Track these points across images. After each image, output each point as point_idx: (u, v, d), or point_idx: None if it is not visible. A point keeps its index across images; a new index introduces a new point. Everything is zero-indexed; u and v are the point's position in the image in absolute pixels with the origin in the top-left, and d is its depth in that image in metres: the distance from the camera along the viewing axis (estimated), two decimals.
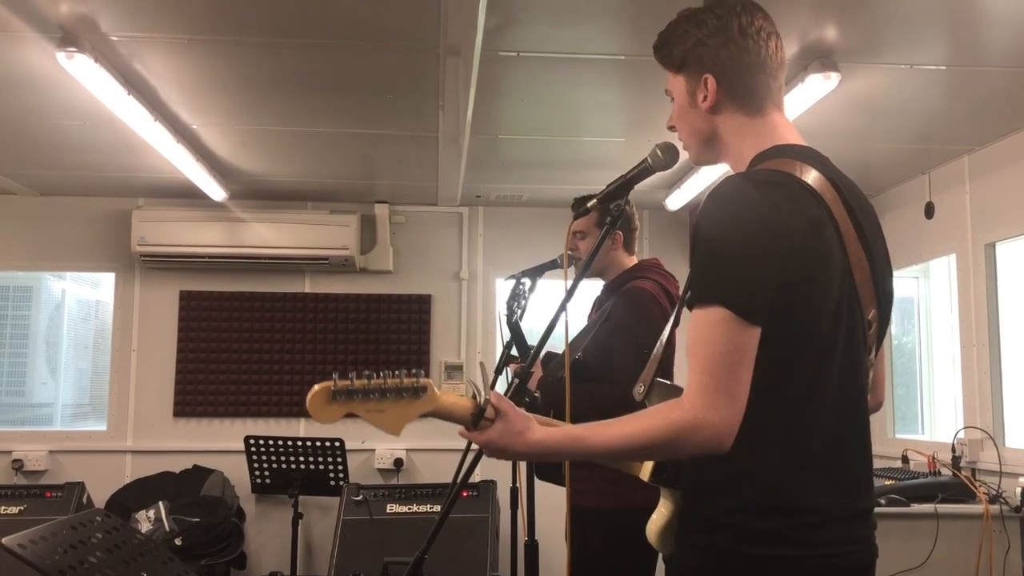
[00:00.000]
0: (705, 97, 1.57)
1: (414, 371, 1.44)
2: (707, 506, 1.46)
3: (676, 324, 2.96)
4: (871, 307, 1.51)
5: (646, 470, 1.59)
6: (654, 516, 1.61)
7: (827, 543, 1.42)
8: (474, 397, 1.48)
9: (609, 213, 1.88)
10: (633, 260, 3.07)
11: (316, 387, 1.40)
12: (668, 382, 1.61)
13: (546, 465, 2.77)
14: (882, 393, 1.69)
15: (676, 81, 1.64)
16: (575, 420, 1.58)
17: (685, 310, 1.51)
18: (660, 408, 1.41)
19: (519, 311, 3.04)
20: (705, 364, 1.36)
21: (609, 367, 2.77)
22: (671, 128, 1.71)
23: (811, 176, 1.48)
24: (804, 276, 1.40)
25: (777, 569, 1.40)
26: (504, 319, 3.09)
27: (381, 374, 1.43)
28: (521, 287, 3.08)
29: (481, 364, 1.47)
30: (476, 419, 1.47)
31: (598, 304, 3.15)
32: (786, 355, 1.41)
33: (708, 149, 1.65)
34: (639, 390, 1.61)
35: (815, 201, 1.45)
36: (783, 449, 1.42)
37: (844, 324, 1.45)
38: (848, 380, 1.47)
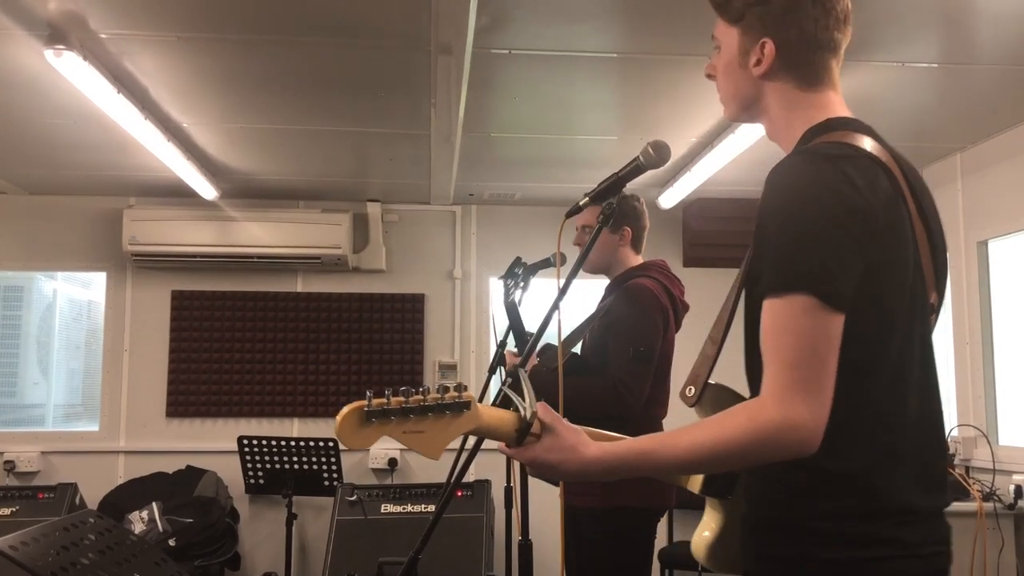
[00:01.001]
0: (759, 61, 1.45)
1: (457, 384, 1.30)
2: (788, 513, 1.34)
3: (677, 326, 2.97)
4: (932, 291, 1.42)
5: (696, 481, 1.44)
6: (701, 532, 1.48)
7: (919, 543, 1.32)
8: (518, 411, 1.35)
9: (602, 211, 1.88)
10: (639, 259, 3.06)
11: (346, 409, 1.24)
12: (721, 384, 1.45)
13: None
14: None
15: (729, 32, 1.49)
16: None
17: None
18: (738, 412, 1.27)
19: (515, 289, 3.00)
20: (790, 357, 1.23)
21: (606, 362, 2.77)
22: (710, 76, 1.57)
23: (873, 148, 1.37)
24: (886, 257, 1.30)
25: (871, 572, 1.29)
26: (498, 314, 3.08)
27: (420, 390, 1.28)
28: (519, 268, 3.05)
29: (521, 371, 1.41)
30: (522, 435, 1.34)
31: (602, 299, 3.15)
32: (870, 344, 1.30)
33: (747, 112, 1.53)
34: (688, 393, 1.45)
35: (886, 175, 1.34)
36: (872, 445, 1.31)
37: (919, 310, 1.36)
38: (925, 369, 1.38)
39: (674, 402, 3.28)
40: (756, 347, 1.32)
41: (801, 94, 1.45)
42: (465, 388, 1.31)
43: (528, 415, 1.33)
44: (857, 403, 1.29)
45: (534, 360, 2.82)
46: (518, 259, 3.07)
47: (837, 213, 1.26)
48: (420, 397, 1.27)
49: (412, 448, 1.28)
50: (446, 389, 1.28)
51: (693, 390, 1.45)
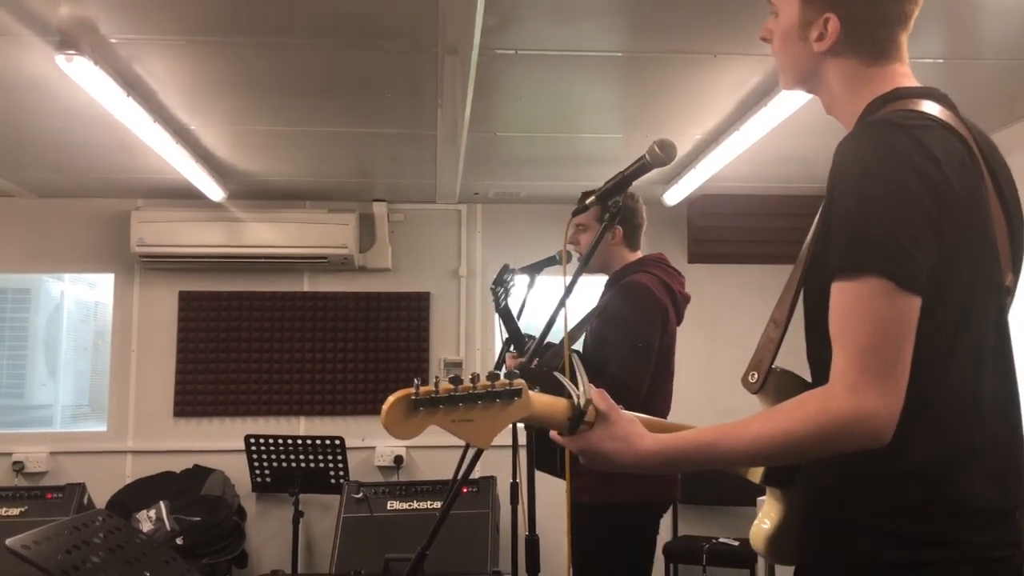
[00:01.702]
0: (821, 36, 1.36)
1: (506, 372, 1.26)
2: (851, 509, 1.26)
3: (679, 319, 2.98)
4: (1008, 272, 1.33)
5: (756, 471, 1.37)
6: (762, 522, 1.42)
7: (988, 546, 1.23)
8: (571, 397, 1.30)
9: (608, 209, 1.89)
10: (636, 255, 3.06)
11: (393, 397, 1.18)
12: (787, 369, 1.36)
13: (542, 454, 2.77)
14: None
15: (788, 2, 1.40)
16: None
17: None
18: (806, 401, 1.19)
19: (505, 296, 3.02)
20: (863, 342, 1.15)
21: (604, 357, 2.78)
22: (765, 39, 1.49)
23: (948, 118, 1.28)
24: (962, 235, 1.21)
25: (937, 573, 1.21)
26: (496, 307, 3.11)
27: (470, 378, 1.23)
28: (508, 274, 3.07)
29: (575, 356, 1.41)
30: (575, 423, 1.29)
31: (601, 298, 3.16)
32: (944, 330, 1.22)
33: (804, 84, 1.45)
34: (752, 379, 1.36)
35: (962, 145, 1.26)
36: (944, 440, 1.23)
37: (995, 291, 1.28)
38: (1001, 357, 1.29)
39: (692, 390, 3.30)
40: (818, 331, 1.26)
41: (865, 69, 1.36)
42: (516, 375, 1.26)
43: (582, 402, 1.29)
44: (929, 394, 1.21)
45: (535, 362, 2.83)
46: (506, 266, 3.09)
47: (912, 187, 1.18)
48: (469, 385, 1.22)
49: (461, 437, 1.24)
50: (496, 376, 1.23)
51: (756, 376, 1.35)
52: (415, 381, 1.21)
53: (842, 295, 1.19)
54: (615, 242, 3.01)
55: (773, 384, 1.35)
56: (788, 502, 1.39)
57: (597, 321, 2.87)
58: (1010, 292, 1.35)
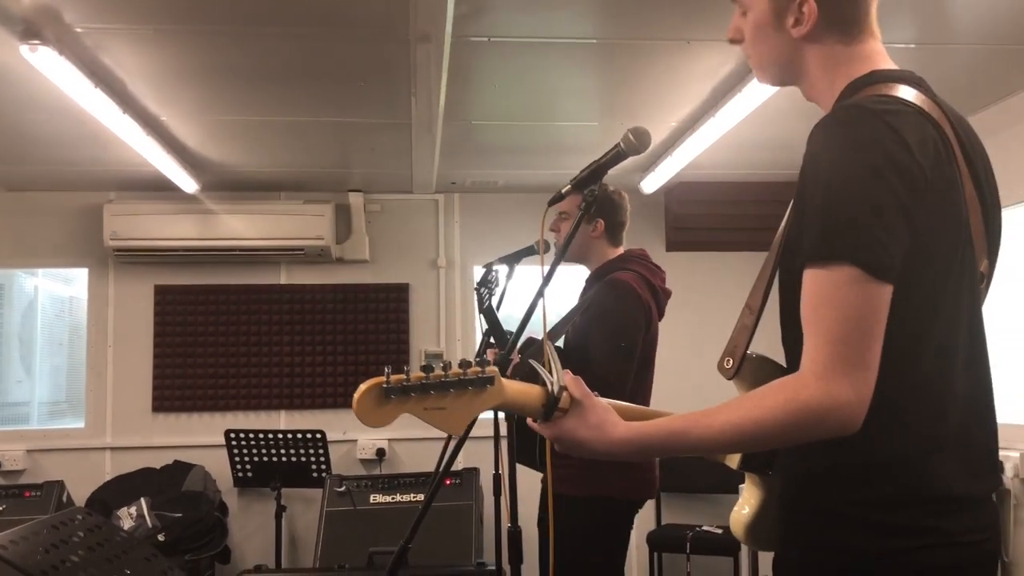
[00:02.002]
0: (797, 22, 1.34)
1: (478, 360, 1.26)
2: (826, 497, 1.27)
3: (660, 315, 2.97)
4: (983, 257, 1.34)
5: (734, 456, 1.37)
6: (741, 508, 1.43)
7: (962, 531, 1.24)
8: (545, 385, 1.31)
9: (584, 198, 1.88)
10: (618, 251, 3.04)
11: (364, 386, 1.18)
12: (762, 355, 1.37)
13: (523, 448, 2.77)
14: None
15: None
16: None
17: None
18: (776, 389, 1.19)
19: (490, 297, 3.03)
20: (834, 330, 1.15)
21: (587, 356, 2.77)
22: (734, 41, 1.46)
23: (922, 102, 1.27)
24: (935, 222, 1.21)
25: (908, 561, 1.22)
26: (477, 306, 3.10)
27: (441, 366, 1.22)
28: (492, 273, 3.07)
29: (547, 343, 1.40)
30: (549, 410, 1.29)
31: (583, 292, 3.15)
32: (918, 316, 1.22)
33: (783, 75, 1.43)
34: (727, 365, 1.36)
35: (935, 130, 1.25)
36: (916, 427, 1.23)
37: (967, 279, 1.27)
38: (973, 344, 1.29)
39: (673, 377, 3.31)
40: (792, 318, 1.26)
41: (843, 49, 1.35)
42: (488, 363, 1.26)
43: (555, 389, 1.29)
44: (900, 382, 1.22)
45: (516, 357, 2.82)
46: (489, 266, 3.08)
47: (884, 174, 1.17)
48: (441, 373, 1.21)
49: (434, 425, 1.23)
50: (468, 364, 1.23)
51: (731, 362, 1.36)
52: (386, 369, 1.20)
53: (814, 283, 1.19)
54: (596, 235, 2.99)
55: (748, 369, 1.36)
56: (767, 488, 1.39)
57: (580, 318, 2.86)
58: (984, 278, 1.36)
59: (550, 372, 1.32)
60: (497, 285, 3.06)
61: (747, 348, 1.36)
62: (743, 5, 1.43)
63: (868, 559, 1.23)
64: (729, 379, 1.38)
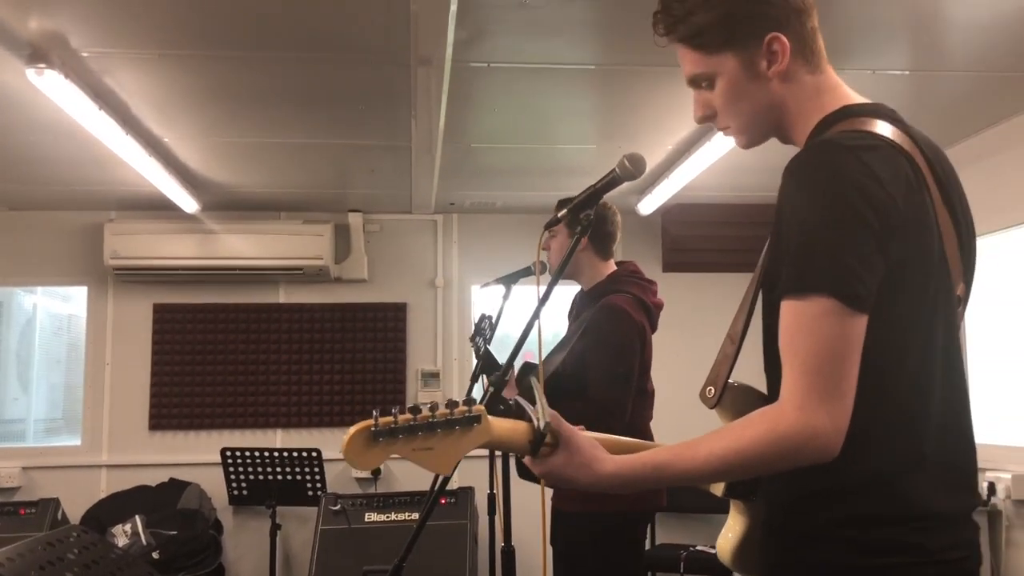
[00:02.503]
0: (771, 63, 1.35)
1: (465, 399, 1.28)
2: (808, 519, 1.30)
3: (654, 329, 3.00)
4: (959, 281, 1.36)
5: (719, 484, 1.41)
6: (727, 534, 1.46)
7: (943, 548, 1.26)
8: (531, 421, 1.32)
9: (579, 223, 1.91)
10: (610, 266, 3.03)
11: (352, 429, 1.21)
12: (744, 383, 1.41)
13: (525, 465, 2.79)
14: None
15: (720, 60, 1.38)
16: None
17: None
18: (756, 420, 1.22)
19: (485, 344, 3.06)
20: (810, 362, 1.18)
21: (586, 382, 2.79)
22: (705, 119, 1.46)
23: (895, 136, 1.30)
24: (909, 252, 1.24)
25: None
26: (482, 318, 3.14)
27: (428, 407, 1.24)
28: (485, 321, 3.11)
29: (533, 379, 1.42)
30: (536, 446, 1.31)
31: (575, 312, 3.16)
32: (893, 343, 1.25)
33: (768, 126, 1.43)
34: (708, 394, 1.40)
35: (908, 164, 1.27)
36: (894, 449, 1.26)
37: (942, 304, 1.30)
38: (952, 366, 1.32)
39: (670, 400, 3.32)
40: (773, 347, 1.28)
41: (811, 80, 1.37)
42: (475, 402, 1.28)
43: (541, 425, 1.31)
44: (878, 406, 1.25)
45: (513, 387, 2.84)
46: (482, 315, 3.11)
47: (859, 208, 1.20)
48: (428, 414, 1.23)
49: (422, 466, 1.26)
50: (455, 404, 1.25)
51: (713, 391, 1.39)
52: (374, 412, 1.22)
53: (791, 314, 1.22)
54: (581, 249, 2.99)
55: (730, 399, 1.39)
56: (751, 514, 1.42)
57: (577, 343, 2.87)
58: (961, 301, 1.39)
59: (535, 406, 1.34)
60: (491, 331, 3.08)
61: (728, 377, 1.39)
62: (705, 79, 1.42)
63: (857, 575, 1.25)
64: (711, 408, 1.40)
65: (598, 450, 1.33)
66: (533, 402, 1.36)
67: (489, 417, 1.28)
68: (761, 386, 1.40)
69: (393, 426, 1.22)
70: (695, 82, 1.43)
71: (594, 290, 3.00)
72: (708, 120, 1.46)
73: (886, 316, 1.23)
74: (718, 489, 1.40)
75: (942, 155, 1.39)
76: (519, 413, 1.35)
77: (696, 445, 1.26)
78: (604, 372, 2.73)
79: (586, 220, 1.87)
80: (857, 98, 1.38)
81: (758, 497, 1.39)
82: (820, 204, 1.22)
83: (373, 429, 1.21)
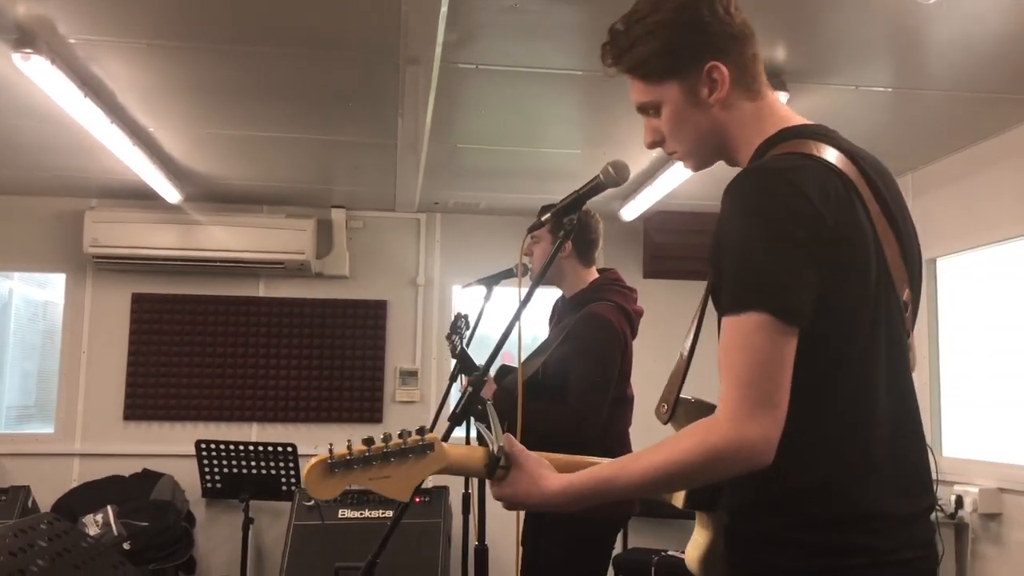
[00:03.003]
0: (712, 91, 1.40)
1: (419, 428, 1.35)
2: (762, 524, 1.34)
3: (634, 336, 3.03)
4: (904, 287, 1.40)
5: (679, 496, 1.45)
6: (693, 545, 1.50)
7: (893, 549, 1.30)
8: (487, 445, 1.38)
9: (562, 227, 1.93)
10: (592, 273, 3.05)
11: (311, 462, 1.30)
12: (693, 398, 1.46)
13: None
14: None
15: (663, 89, 1.44)
16: (524, 436, 1.53)
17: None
18: (693, 431, 1.27)
19: (461, 342, 3.07)
20: (743, 375, 1.24)
21: (564, 387, 2.81)
22: (654, 144, 1.53)
23: (829, 154, 1.35)
24: (842, 264, 1.28)
25: None
26: (463, 319, 3.15)
27: (382, 438, 1.32)
28: (461, 320, 3.13)
29: (489, 405, 1.46)
30: (492, 469, 1.37)
31: (556, 317, 3.18)
32: (832, 353, 1.30)
33: (713, 150, 1.48)
34: (662, 410, 1.45)
35: (840, 180, 1.32)
36: (840, 455, 1.31)
37: (883, 311, 1.34)
38: (897, 370, 1.36)
39: (649, 407, 3.33)
40: None
41: (751, 106, 1.43)
42: (429, 430, 1.35)
43: (495, 448, 1.37)
44: (819, 413, 1.29)
45: (492, 386, 2.86)
46: (459, 314, 3.14)
47: (788, 227, 1.25)
48: (382, 445, 1.31)
49: (380, 492, 1.32)
50: (409, 433, 1.32)
51: (666, 407, 1.44)
52: (330, 445, 1.30)
53: (727, 331, 1.27)
54: (564, 255, 3.01)
55: (683, 413, 1.43)
56: (714, 525, 1.45)
57: (557, 349, 2.88)
58: (908, 306, 1.42)
59: (491, 433, 1.40)
60: (468, 328, 3.10)
61: (679, 392, 1.44)
62: (651, 107, 1.48)
63: None
64: (664, 424, 1.45)
65: (545, 468, 1.38)
66: (489, 426, 1.41)
67: (444, 444, 1.35)
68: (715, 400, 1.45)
69: (348, 458, 1.30)
70: (643, 110, 1.50)
71: (576, 297, 3.01)
72: (658, 145, 1.52)
73: (823, 327, 1.27)
74: (679, 501, 1.44)
75: (882, 168, 1.44)
76: (487, 425, 1.40)
77: (637, 458, 1.32)
78: (583, 380, 2.76)
79: (569, 225, 1.90)
80: (797, 120, 1.44)
81: (719, 507, 1.42)
82: (752, 225, 1.28)
83: (329, 462, 1.29)
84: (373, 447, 1.30)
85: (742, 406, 1.23)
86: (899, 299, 1.38)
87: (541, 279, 1.97)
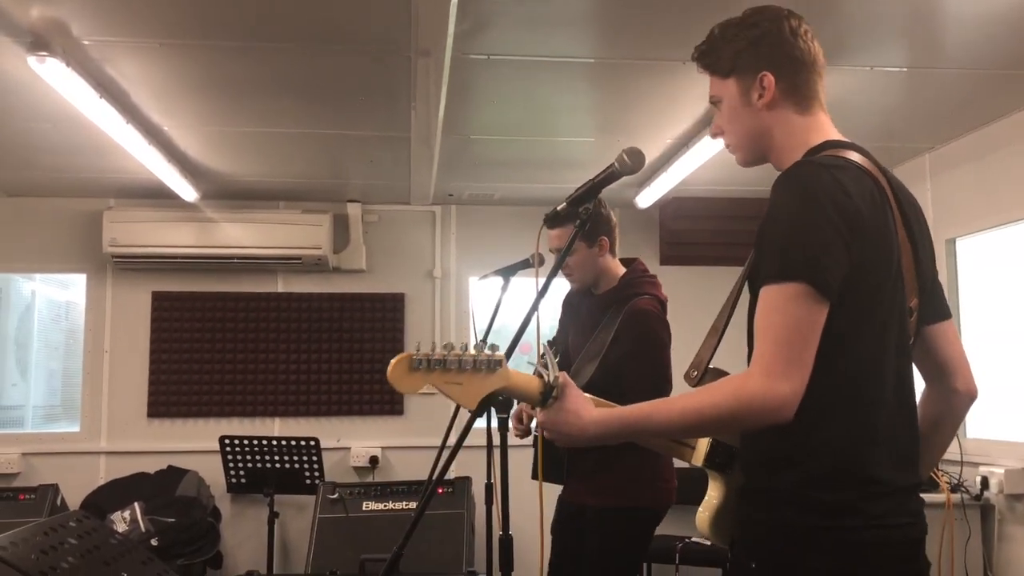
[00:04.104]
0: (761, 95, 1.61)
1: (491, 344, 1.47)
2: (773, 480, 1.48)
3: None
4: (912, 295, 1.57)
5: (699, 455, 1.60)
6: (705, 505, 1.62)
7: (885, 514, 1.45)
8: (542, 376, 1.50)
9: (578, 216, 1.94)
10: (618, 265, 3.07)
11: (397, 357, 1.43)
12: (720, 368, 1.62)
13: (550, 466, 2.88)
14: (970, 379, 1.70)
15: (725, 85, 1.66)
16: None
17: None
18: (727, 381, 1.43)
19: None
20: (780, 334, 1.39)
21: (619, 392, 2.81)
22: (716, 135, 1.74)
23: (865, 163, 1.55)
24: (870, 256, 1.45)
25: (837, 539, 1.42)
26: (477, 313, 3.17)
27: (462, 345, 1.45)
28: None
29: (545, 345, 1.58)
30: (545, 397, 1.50)
31: (575, 312, 3.16)
32: (851, 330, 1.44)
33: (759, 149, 1.67)
34: (692, 375, 1.63)
35: (875, 186, 1.51)
36: (850, 421, 1.45)
37: (897, 302, 1.51)
38: (901, 362, 1.52)
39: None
40: (752, 336, 1.46)
41: (800, 119, 1.62)
42: (497, 348, 1.48)
43: (551, 378, 1.49)
44: (837, 381, 1.44)
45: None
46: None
47: (831, 214, 1.42)
48: (459, 352, 1.44)
49: (451, 397, 1.45)
50: (482, 347, 1.45)
51: (696, 373, 1.62)
52: (417, 343, 1.45)
53: (768, 296, 1.43)
54: (602, 253, 3.02)
55: (709, 379, 1.59)
56: (728, 484, 1.60)
57: (610, 350, 2.86)
58: (913, 312, 1.58)
59: (549, 367, 1.52)
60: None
61: (709, 362, 1.61)
62: (717, 100, 1.69)
63: (813, 533, 1.43)
64: (693, 386, 1.62)
65: (585, 401, 1.53)
66: (546, 364, 1.53)
67: (508, 367, 1.48)
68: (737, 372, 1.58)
69: (430, 358, 1.43)
70: (713, 102, 1.71)
71: (611, 293, 3.00)
72: (719, 136, 1.73)
73: (846, 306, 1.43)
74: (699, 459, 1.60)
75: (900, 183, 1.63)
76: (539, 371, 1.52)
77: (673, 401, 1.48)
78: (645, 379, 2.77)
79: (585, 213, 1.91)
80: (840, 137, 1.63)
81: (734, 468, 1.58)
82: (799, 210, 1.45)
83: (414, 357, 1.43)
84: (452, 352, 1.43)
85: (776, 361, 1.38)
86: (907, 303, 1.54)
87: (558, 268, 1.97)
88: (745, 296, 1.58)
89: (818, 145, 1.59)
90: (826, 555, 1.42)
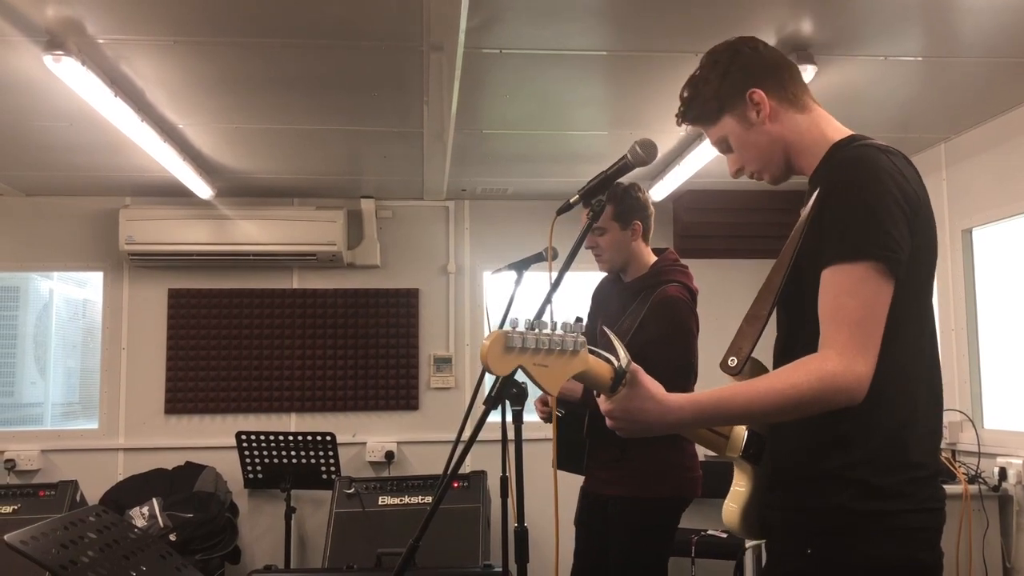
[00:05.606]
0: (758, 111, 1.63)
1: (572, 325, 1.40)
2: (826, 465, 1.46)
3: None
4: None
5: (735, 445, 1.57)
6: (733, 498, 1.60)
7: (928, 498, 1.47)
8: (611, 363, 1.45)
9: (592, 208, 1.94)
10: (649, 252, 3.05)
11: (491, 336, 1.34)
12: (756, 358, 1.58)
13: (568, 456, 2.89)
14: None
15: (722, 126, 1.68)
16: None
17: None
18: (804, 363, 1.40)
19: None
20: (855, 316, 1.38)
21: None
22: (737, 173, 1.74)
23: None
24: (923, 241, 1.48)
25: (892, 524, 1.42)
26: (491, 307, 3.15)
27: (550, 325, 1.38)
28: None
29: (608, 330, 1.56)
30: (616, 383, 1.44)
31: (607, 301, 3.14)
32: (901, 312, 1.44)
33: (781, 160, 1.66)
34: (732, 363, 1.56)
35: (918, 174, 1.54)
36: (901, 403, 1.46)
37: (930, 289, 1.54)
38: (933, 344, 1.54)
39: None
40: (795, 322, 1.50)
41: (803, 118, 1.63)
42: (580, 325, 1.39)
43: (622, 364, 1.43)
44: (890, 365, 1.43)
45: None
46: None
47: (896, 196, 1.44)
48: (549, 333, 1.36)
49: (535, 379, 1.37)
50: (568, 327, 1.38)
51: (736, 361, 1.54)
52: (514, 322, 1.36)
53: (837, 276, 1.42)
54: (635, 238, 2.99)
55: (750, 370, 1.56)
56: (755, 478, 1.58)
57: (636, 335, 2.84)
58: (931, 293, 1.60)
59: (618, 354, 1.47)
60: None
61: (751, 351, 1.55)
62: (722, 142, 1.70)
63: (865, 519, 1.42)
64: (733, 375, 1.55)
65: (659, 385, 1.47)
66: (611, 349, 1.47)
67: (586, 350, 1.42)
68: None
69: (524, 337, 1.35)
70: (719, 147, 1.73)
71: (640, 280, 2.99)
72: (742, 173, 1.73)
73: (902, 289, 1.44)
74: (735, 450, 1.56)
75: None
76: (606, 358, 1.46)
77: (753, 383, 1.43)
78: (669, 364, 2.74)
79: (599, 205, 1.92)
80: (847, 132, 1.63)
81: (763, 460, 1.57)
82: (866, 192, 1.45)
83: (509, 335, 1.34)
84: (543, 332, 1.36)
85: (853, 342, 1.37)
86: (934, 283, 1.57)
87: (573, 256, 1.96)
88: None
89: (846, 139, 1.60)
90: (885, 540, 1.41)
